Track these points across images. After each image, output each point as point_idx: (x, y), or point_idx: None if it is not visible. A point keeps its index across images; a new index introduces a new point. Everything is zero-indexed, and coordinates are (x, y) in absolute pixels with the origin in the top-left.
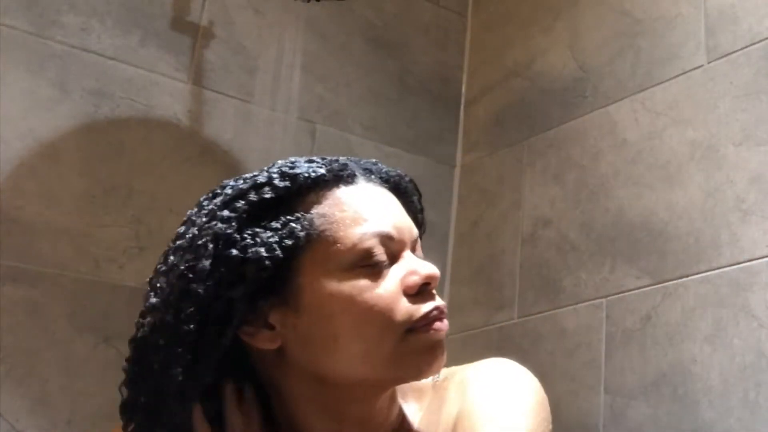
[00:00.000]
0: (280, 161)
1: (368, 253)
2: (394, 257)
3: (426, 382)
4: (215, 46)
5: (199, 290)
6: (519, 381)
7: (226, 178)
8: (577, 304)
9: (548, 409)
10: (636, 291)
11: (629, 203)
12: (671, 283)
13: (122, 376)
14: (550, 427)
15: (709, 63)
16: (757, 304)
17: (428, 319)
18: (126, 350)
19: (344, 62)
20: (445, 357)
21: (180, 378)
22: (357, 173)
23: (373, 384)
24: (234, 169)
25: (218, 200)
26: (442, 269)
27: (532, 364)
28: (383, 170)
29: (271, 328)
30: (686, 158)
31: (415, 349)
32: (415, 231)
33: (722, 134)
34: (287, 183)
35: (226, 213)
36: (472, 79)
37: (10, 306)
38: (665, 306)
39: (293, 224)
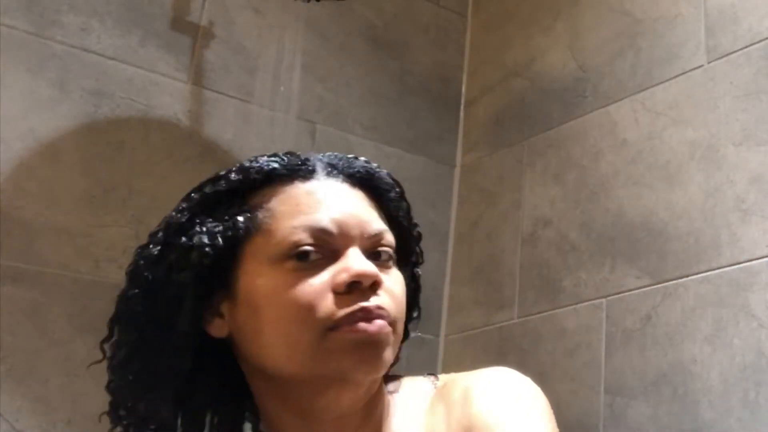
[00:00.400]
0: (253, 156)
1: (295, 246)
2: (334, 253)
3: (427, 385)
4: (215, 46)
5: (147, 274)
6: (528, 389)
7: None
8: (577, 304)
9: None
10: (636, 291)
11: (629, 203)
12: (671, 283)
13: None
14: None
15: (709, 63)
16: (757, 304)
17: (352, 318)
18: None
19: (344, 62)
20: (380, 361)
21: (138, 366)
22: (317, 169)
23: (308, 380)
24: None
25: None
26: (442, 269)
27: (532, 364)
28: (353, 165)
29: (222, 316)
30: (686, 158)
31: (336, 348)
32: (373, 227)
33: (722, 134)
34: (240, 176)
35: (182, 204)
36: (472, 79)
37: (10, 306)
38: (665, 306)
39: (238, 216)
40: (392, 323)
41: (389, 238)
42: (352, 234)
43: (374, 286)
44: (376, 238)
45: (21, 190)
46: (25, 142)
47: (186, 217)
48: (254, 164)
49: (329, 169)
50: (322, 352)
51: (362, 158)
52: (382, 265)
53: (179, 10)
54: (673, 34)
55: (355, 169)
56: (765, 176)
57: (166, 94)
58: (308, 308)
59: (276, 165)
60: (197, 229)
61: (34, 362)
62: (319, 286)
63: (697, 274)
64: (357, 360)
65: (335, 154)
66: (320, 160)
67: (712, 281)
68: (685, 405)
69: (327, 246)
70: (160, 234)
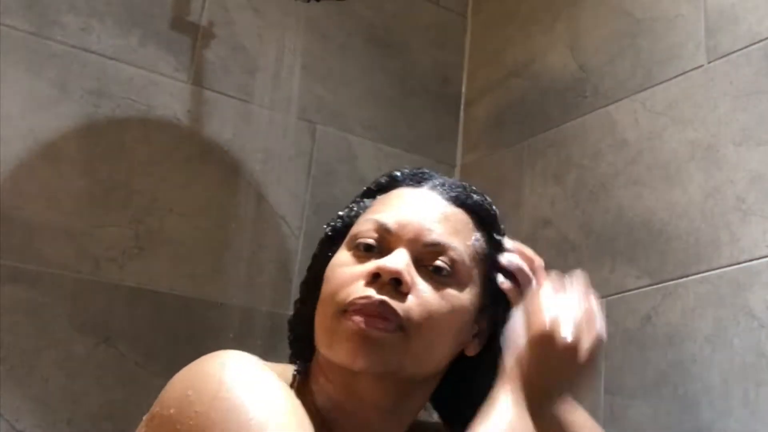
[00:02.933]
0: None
1: (359, 236)
2: (387, 248)
3: None
4: (215, 46)
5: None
6: None
7: (226, 178)
8: None
9: None
10: (636, 291)
11: (629, 203)
12: (671, 283)
13: (121, 375)
14: None
15: (709, 63)
16: (757, 304)
17: (353, 306)
18: (126, 350)
19: (344, 62)
20: (372, 354)
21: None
22: (427, 181)
23: (331, 371)
24: (234, 169)
25: None
26: None
27: None
28: (466, 193)
29: None
30: (686, 158)
31: (340, 333)
32: (431, 237)
33: (722, 134)
34: (377, 180)
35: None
36: (472, 79)
37: (10, 306)
38: (665, 306)
39: (357, 206)
40: (404, 328)
41: (452, 254)
42: (407, 236)
43: (399, 284)
44: (434, 249)
45: (21, 190)
46: (25, 142)
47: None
48: (391, 171)
49: (439, 184)
50: (331, 334)
51: (486, 201)
52: (435, 278)
53: (179, 10)
54: (673, 34)
55: (454, 192)
56: (765, 176)
57: (166, 94)
58: (337, 288)
59: (398, 173)
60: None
61: (34, 362)
62: (356, 272)
63: (697, 274)
64: (347, 349)
65: (460, 183)
66: (437, 177)
67: (712, 281)
68: (685, 405)
69: (385, 243)
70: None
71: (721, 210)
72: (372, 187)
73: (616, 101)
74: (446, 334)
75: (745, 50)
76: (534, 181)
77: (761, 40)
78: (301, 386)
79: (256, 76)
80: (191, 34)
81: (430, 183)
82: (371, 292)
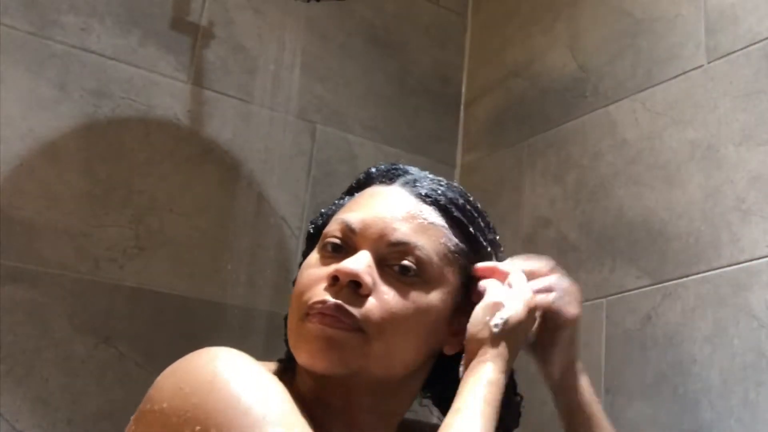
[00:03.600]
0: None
1: (326, 234)
2: (353, 248)
3: None
4: (215, 46)
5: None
6: None
7: (226, 178)
8: None
9: None
10: (636, 291)
11: (629, 203)
12: (671, 283)
13: (121, 375)
14: None
15: (709, 63)
16: (757, 304)
17: (312, 309)
18: (126, 350)
19: (344, 62)
20: (331, 356)
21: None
22: (398, 177)
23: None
24: (234, 169)
25: None
26: None
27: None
28: (431, 187)
29: None
30: (686, 158)
31: (302, 335)
32: (395, 237)
33: (722, 134)
34: (357, 178)
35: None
36: (472, 79)
37: (10, 306)
38: (665, 306)
39: (335, 205)
40: (361, 329)
41: (419, 254)
42: (370, 236)
43: (358, 286)
44: (399, 249)
45: (21, 190)
46: (25, 142)
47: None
48: (368, 168)
49: (410, 180)
50: (297, 337)
51: (448, 188)
52: (401, 279)
53: (179, 10)
54: (673, 34)
55: (426, 190)
56: (765, 176)
57: (166, 94)
58: (301, 291)
59: (374, 169)
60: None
61: (34, 362)
62: (319, 274)
63: (697, 274)
64: (309, 352)
65: (439, 179)
66: (411, 174)
67: (712, 281)
68: (685, 405)
69: (351, 242)
70: None
71: (721, 210)
72: (352, 184)
73: (616, 101)
74: (412, 335)
75: (745, 50)
76: (534, 181)
77: (761, 40)
78: (288, 382)
79: (256, 76)
80: (191, 34)
81: (402, 179)
82: (327, 296)
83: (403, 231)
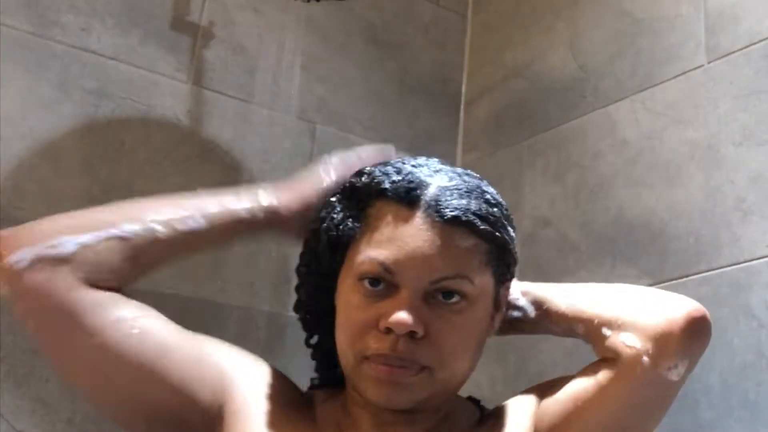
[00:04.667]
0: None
1: (364, 275)
2: (394, 283)
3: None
4: (215, 46)
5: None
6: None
7: (226, 178)
8: None
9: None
10: None
11: (629, 203)
12: (671, 283)
13: None
14: None
15: (709, 63)
16: (757, 304)
17: (375, 359)
18: None
19: (344, 62)
20: (402, 396)
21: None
22: (421, 202)
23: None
24: (234, 169)
25: None
26: None
27: (532, 365)
28: (458, 206)
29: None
30: (686, 158)
31: (365, 376)
32: (436, 275)
33: (722, 134)
34: (365, 182)
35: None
36: (472, 79)
37: (11, 306)
38: None
39: (350, 220)
40: (426, 367)
41: (460, 286)
42: (412, 276)
43: (413, 334)
44: (443, 284)
45: (21, 190)
46: (25, 142)
47: (333, 198)
48: (380, 173)
49: (433, 205)
50: (357, 373)
51: (472, 196)
52: (445, 309)
53: (179, 10)
54: (673, 34)
55: (452, 214)
56: (765, 176)
57: (166, 94)
58: (355, 334)
59: (387, 186)
60: (332, 211)
61: (34, 362)
62: (371, 317)
63: (697, 274)
64: (378, 393)
65: (449, 175)
66: (430, 189)
67: (712, 281)
68: (685, 405)
69: (388, 280)
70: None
71: (721, 210)
72: (357, 193)
73: (616, 101)
74: (470, 352)
75: (745, 50)
76: (534, 181)
77: (761, 40)
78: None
79: (256, 76)
80: (191, 34)
81: (423, 203)
82: (387, 349)
83: (441, 266)
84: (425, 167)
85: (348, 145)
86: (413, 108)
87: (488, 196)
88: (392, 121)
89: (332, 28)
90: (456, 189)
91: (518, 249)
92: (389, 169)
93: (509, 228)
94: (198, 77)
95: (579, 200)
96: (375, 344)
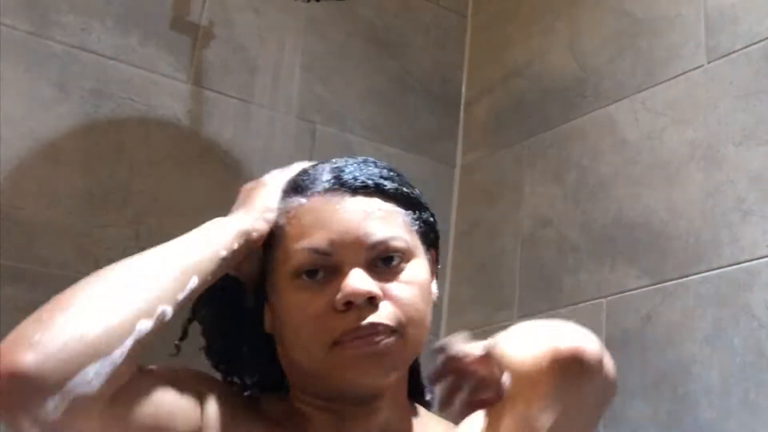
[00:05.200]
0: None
1: (300, 269)
2: (338, 269)
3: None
4: (215, 46)
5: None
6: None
7: (226, 178)
8: (577, 304)
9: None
10: (636, 291)
11: (629, 203)
12: (671, 283)
13: None
14: None
15: (709, 63)
16: (757, 304)
17: (349, 336)
18: None
19: (344, 62)
20: (382, 368)
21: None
22: (319, 184)
23: (325, 377)
24: (234, 169)
25: None
26: (442, 269)
27: None
28: (357, 177)
29: (271, 314)
30: (686, 158)
31: (341, 361)
32: (371, 240)
33: (722, 134)
34: (287, 185)
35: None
36: (472, 79)
37: (10, 306)
38: (665, 306)
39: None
40: (395, 330)
41: (396, 243)
42: (350, 250)
43: (373, 300)
44: (380, 248)
45: (21, 190)
46: (25, 142)
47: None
48: (295, 175)
49: (331, 181)
50: (330, 363)
51: (371, 166)
52: (391, 272)
53: (179, 10)
54: (673, 34)
55: (358, 180)
56: (765, 176)
57: (166, 94)
58: (315, 325)
59: (292, 182)
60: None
61: None
62: (322, 305)
63: (697, 274)
64: (359, 372)
65: (345, 160)
66: (327, 171)
67: (712, 281)
68: (685, 405)
69: (328, 264)
70: None
71: (721, 210)
72: (285, 191)
73: (616, 101)
74: (425, 308)
75: (745, 50)
76: (534, 181)
77: (761, 40)
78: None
79: (256, 76)
80: (191, 34)
81: (327, 184)
82: (354, 322)
83: (371, 232)
84: (313, 164)
85: (348, 145)
86: (413, 108)
87: (384, 165)
88: (392, 121)
89: (332, 28)
90: (351, 164)
91: (518, 249)
92: (299, 172)
93: (417, 191)
94: (198, 77)
95: (579, 200)
96: (341, 324)
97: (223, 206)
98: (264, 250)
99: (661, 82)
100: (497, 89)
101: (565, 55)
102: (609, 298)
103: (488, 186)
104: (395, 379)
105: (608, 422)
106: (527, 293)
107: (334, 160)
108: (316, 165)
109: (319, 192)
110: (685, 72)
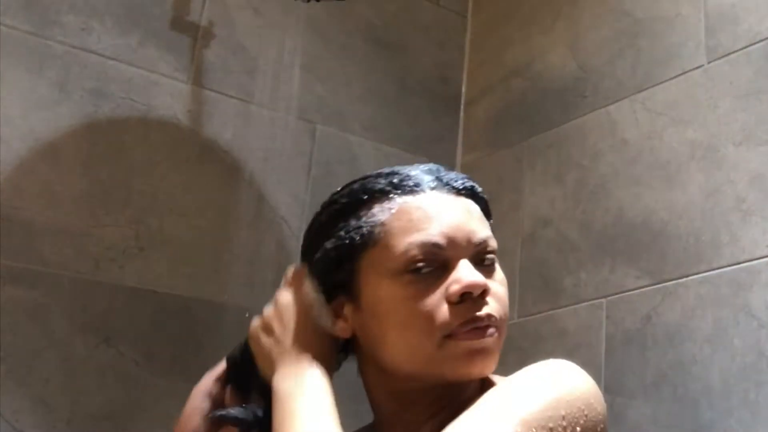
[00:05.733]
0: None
1: (412, 262)
2: (445, 264)
3: None
4: (215, 46)
5: None
6: (562, 374)
7: (226, 178)
8: (577, 304)
9: (585, 412)
10: (636, 291)
11: (629, 203)
12: (671, 283)
13: (121, 375)
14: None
15: (709, 63)
16: (757, 304)
17: (465, 327)
18: (126, 350)
19: (344, 62)
20: (489, 362)
21: None
22: (422, 183)
23: (421, 378)
24: (234, 169)
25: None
26: None
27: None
28: (454, 178)
29: (346, 320)
30: (686, 158)
31: (452, 354)
32: (478, 236)
33: (722, 134)
34: (348, 198)
35: (308, 232)
36: (472, 79)
37: (10, 306)
38: (665, 306)
39: (353, 230)
40: (499, 326)
41: (493, 243)
42: (461, 245)
43: (483, 294)
44: (482, 246)
45: (21, 190)
46: (25, 142)
47: (309, 242)
48: (361, 184)
49: (434, 182)
50: (440, 357)
51: (460, 174)
52: (488, 270)
53: (179, 10)
54: (673, 34)
55: (458, 182)
56: (765, 176)
57: (166, 94)
58: (427, 318)
59: (381, 185)
60: (319, 248)
61: (34, 362)
62: (435, 297)
63: (697, 274)
64: (470, 365)
65: (435, 166)
66: (424, 173)
67: (712, 281)
68: (685, 405)
69: (438, 258)
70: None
71: (721, 210)
72: (351, 206)
73: (616, 101)
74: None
75: (745, 50)
76: (534, 181)
77: (761, 40)
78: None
79: (256, 76)
80: (191, 34)
81: (433, 184)
82: (471, 313)
83: (477, 230)
84: (397, 168)
85: (348, 145)
86: (413, 108)
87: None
88: (392, 121)
89: (332, 28)
90: (441, 168)
91: (518, 249)
92: (370, 179)
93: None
94: (198, 77)
95: (579, 200)
96: (457, 317)
97: (223, 206)
98: (345, 256)
99: (661, 82)
100: (497, 89)
101: (565, 55)
102: (609, 298)
103: (488, 186)
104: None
105: (608, 422)
106: (527, 293)
107: (414, 166)
108: (399, 170)
109: (424, 190)
110: (685, 72)
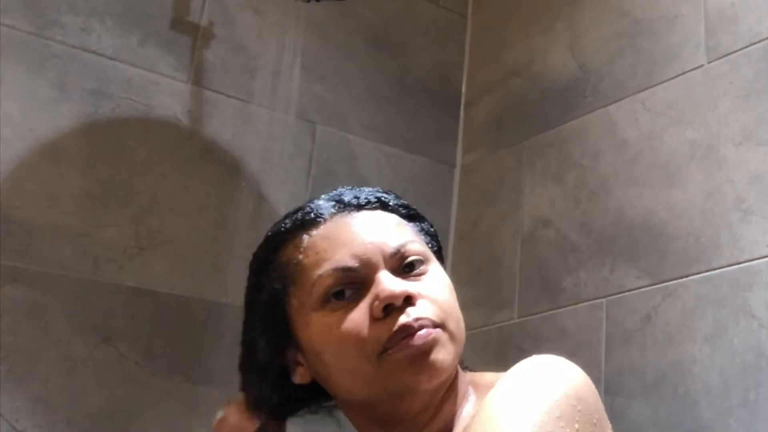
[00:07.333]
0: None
1: (327, 291)
2: (366, 283)
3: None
4: (215, 46)
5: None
6: (546, 373)
7: (226, 178)
8: (577, 304)
9: (578, 407)
10: (636, 291)
11: (629, 203)
12: (671, 283)
13: (121, 375)
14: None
15: (709, 63)
16: (757, 304)
17: (396, 338)
18: (126, 350)
19: (344, 62)
20: (438, 363)
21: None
22: (324, 212)
23: (381, 400)
24: (234, 169)
25: None
26: None
27: None
28: (358, 196)
29: (302, 365)
30: (686, 158)
31: (393, 369)
32: (392, 246)
33: (722, 134)
34: (266, 247)
35: (248, 283)
36: (472, 79)
37: (10, 306)
38: (665, 306)
39: (274, 279)
40: (438, 325)
41: (413, 247)
42: (374, 261)
43: (408, 300)
44: (400, 254)
45: (21, 190)
46: (25, 142)
47: (246, 301)
48: (272, 232)
49: (335, 207)
50: (382, 375)
51: (363, 188)
52: (416, 275)
53: (179, 10)
54: (673, 34)
55: (361, 197)
56: (765, 176)
57: (166, 94)
58: (357, 341)
59: (288, 225)
60: (253, 312)
61: (34, 362)
62: (360, 318)
63: (697, 274)
64: (414, 372)
65: (340, 190)
66: (325, 200)
67: (712, 281)
68: (685, 405)
69: (356, 279)
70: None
71: (721, 210)
72: (263, 257)
73: (616, 101)
74: (457, 305)
75: (745, 50)
76: (534, 181)
77: (761, 40)
78: None
79: (256, 76)
80: (191, 34)
81: (334, 209)
82: (401, 321)
83: (388, 240)
84: (303, 204)
85: (348, 145)
86: (413, 108)
87: (374, 188)
88: (392, 121)
89: (332, 28)
90: (344, 190)
91: (518, 249)
92: (279, 223)
93: (413, 205)
94: (198, 77)
95: (579, 200)
96: (385, 331)
97: (223, 206)
98: (273, 307)
99: (661, 82)
100: (497, 89)
101: (565, 55)
102: (609, 298)
103: (488, 186)
104: (447, 377)
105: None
106: (527, 293)
107: (320, 196)
108: (304, 205)
109: (325, 219)
110: (685, 72)
